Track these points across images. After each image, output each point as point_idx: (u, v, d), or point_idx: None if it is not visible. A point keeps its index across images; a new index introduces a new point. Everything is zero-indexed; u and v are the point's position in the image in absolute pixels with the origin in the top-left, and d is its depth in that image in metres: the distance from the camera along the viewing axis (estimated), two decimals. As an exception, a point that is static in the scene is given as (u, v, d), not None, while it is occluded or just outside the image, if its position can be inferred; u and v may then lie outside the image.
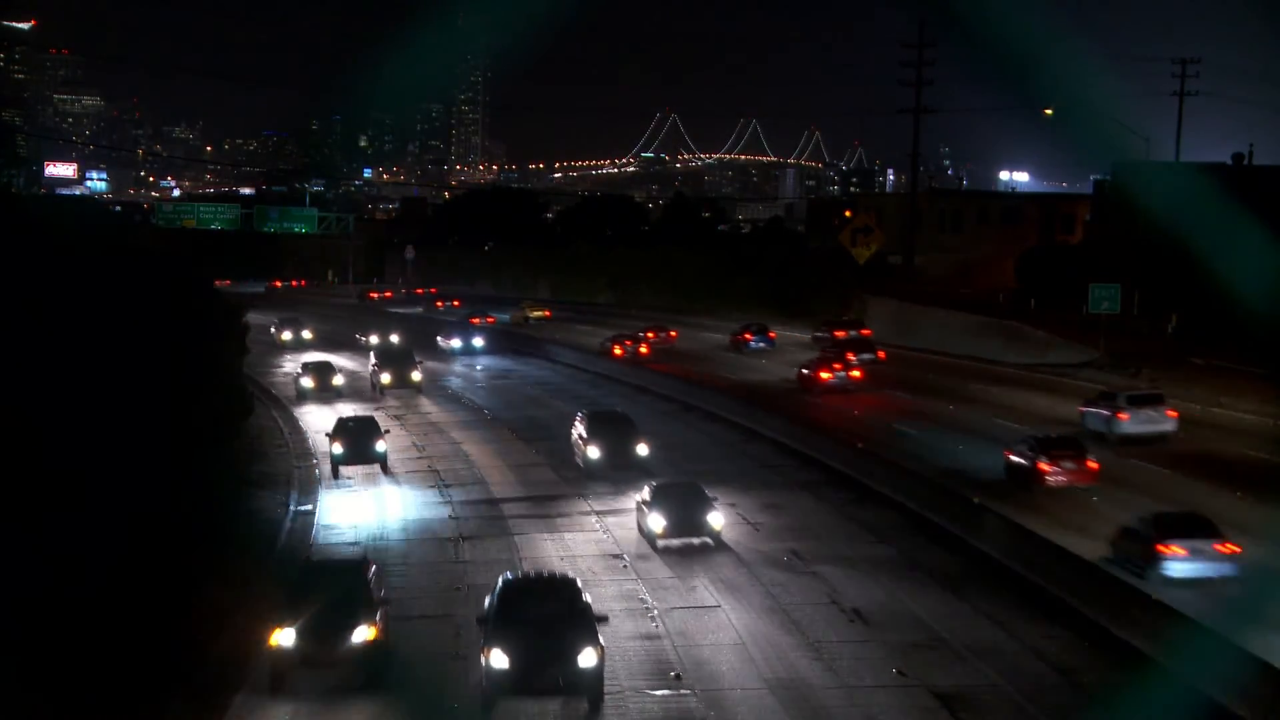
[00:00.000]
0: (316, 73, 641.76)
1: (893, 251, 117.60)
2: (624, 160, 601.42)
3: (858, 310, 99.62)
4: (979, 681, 28.42)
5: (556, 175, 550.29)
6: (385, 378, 72.28)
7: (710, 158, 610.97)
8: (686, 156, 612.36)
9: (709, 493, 40.93)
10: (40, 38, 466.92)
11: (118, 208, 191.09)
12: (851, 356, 72.35)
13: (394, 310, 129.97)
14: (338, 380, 71.54)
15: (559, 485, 49.54)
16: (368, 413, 58.87)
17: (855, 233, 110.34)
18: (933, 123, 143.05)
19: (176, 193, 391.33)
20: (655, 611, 33.47)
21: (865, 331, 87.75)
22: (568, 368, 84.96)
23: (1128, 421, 52.92)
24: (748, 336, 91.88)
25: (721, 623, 32.68)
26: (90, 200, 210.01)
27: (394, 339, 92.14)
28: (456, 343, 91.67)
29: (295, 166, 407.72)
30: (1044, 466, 45.05)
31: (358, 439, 51.64)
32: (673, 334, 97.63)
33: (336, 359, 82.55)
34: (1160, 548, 33.91)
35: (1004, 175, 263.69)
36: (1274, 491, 43.19)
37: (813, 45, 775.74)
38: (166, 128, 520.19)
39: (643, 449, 49.96)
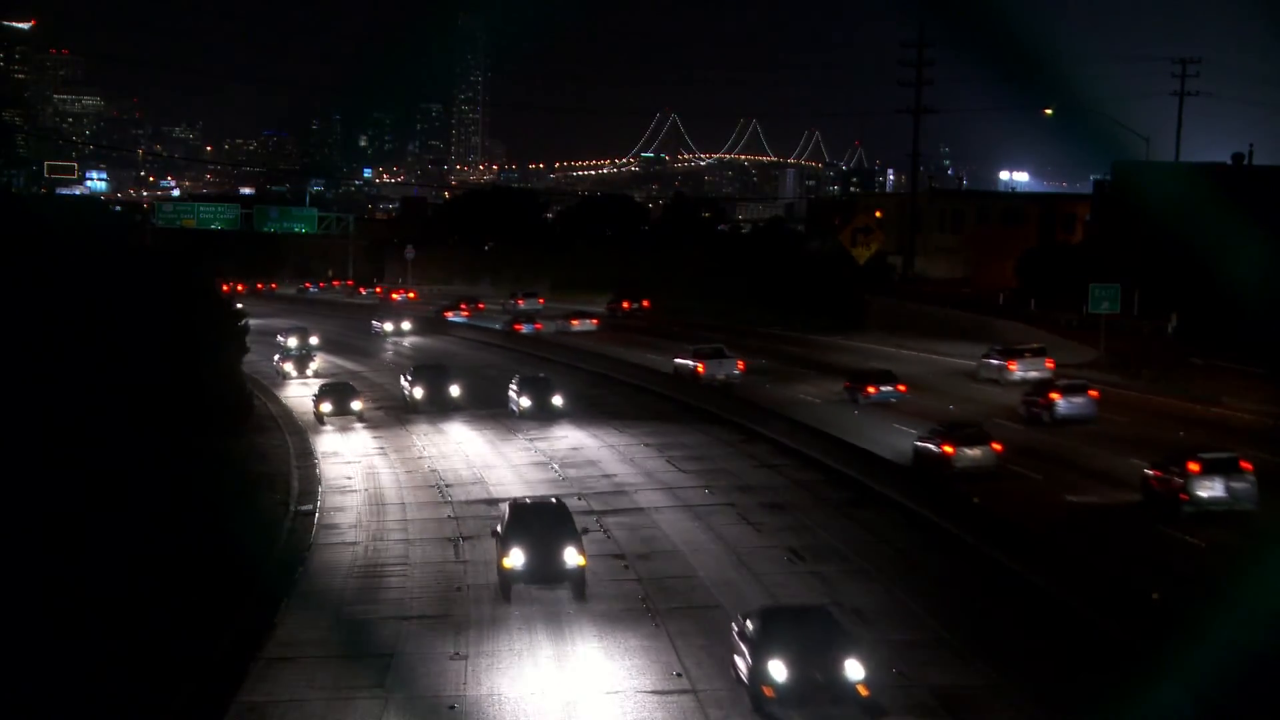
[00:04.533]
0: (317, 72, 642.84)
1: (893, 251, 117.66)
2: (624, 160, 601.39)
3: (856, 308, 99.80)
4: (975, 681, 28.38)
5: (556, 175, 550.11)
6: (353, 405, 63.27)
7: (710, 158, 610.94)
8: (686, 156, 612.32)
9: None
10: (40, 38, 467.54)
11: (118, 208, 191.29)
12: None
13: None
14: None
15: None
16: None
17: (855, 233, 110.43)
18: (933, 123, 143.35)
19: (176, 193, 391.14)
20: (655, 611, 33.50)
21: (541, 300, 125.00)
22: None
23: (707, 370, 79.84)
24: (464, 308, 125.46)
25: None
26: (92, 200, 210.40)
27: None
28: None
29: (295, 166, 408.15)
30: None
31: None
32: (480, 305, 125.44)
33: None
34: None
35: (1004, 175, 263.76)
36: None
37: (813, 45, 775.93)
38: (166, 128, 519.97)
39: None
